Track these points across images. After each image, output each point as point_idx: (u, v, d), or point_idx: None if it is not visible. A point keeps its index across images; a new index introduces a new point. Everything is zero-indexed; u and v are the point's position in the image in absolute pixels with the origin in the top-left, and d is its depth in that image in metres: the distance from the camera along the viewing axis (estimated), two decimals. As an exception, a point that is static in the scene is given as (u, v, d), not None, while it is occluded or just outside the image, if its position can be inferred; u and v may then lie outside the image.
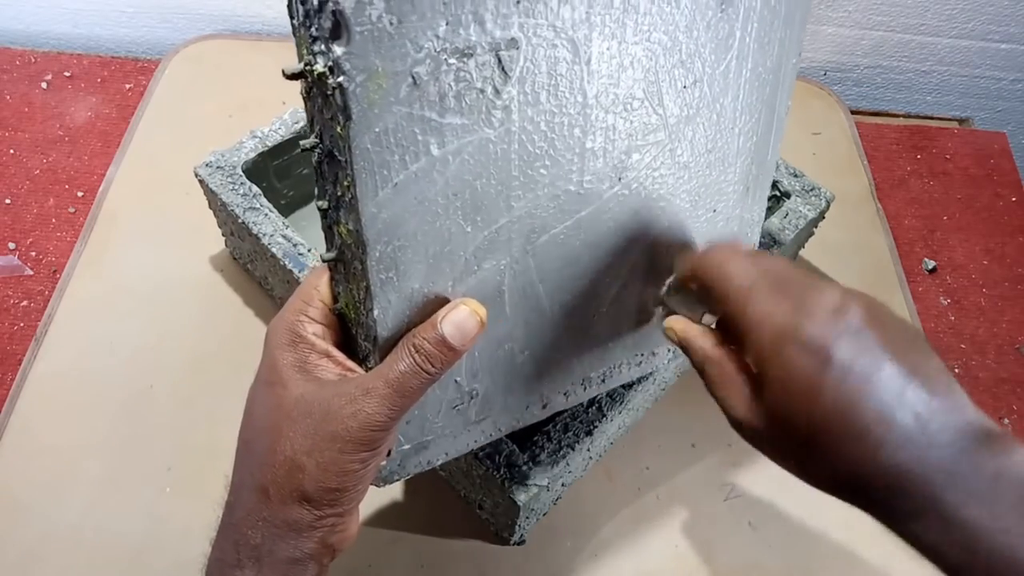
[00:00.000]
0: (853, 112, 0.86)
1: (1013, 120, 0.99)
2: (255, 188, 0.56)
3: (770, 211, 0.61)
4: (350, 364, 0.34)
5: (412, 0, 0.27)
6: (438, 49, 0.28)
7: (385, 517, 0.54)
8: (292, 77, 0.29)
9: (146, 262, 0.64)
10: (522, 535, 0.53)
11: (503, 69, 0.30)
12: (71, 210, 0.69)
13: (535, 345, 0.40)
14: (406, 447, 0.39)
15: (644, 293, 0.43)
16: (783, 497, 0.56)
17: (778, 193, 0.62)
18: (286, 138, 0.60)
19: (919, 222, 0.78)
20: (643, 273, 0.41)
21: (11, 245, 0.67)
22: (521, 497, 0.46)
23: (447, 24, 0.28)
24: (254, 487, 0.33)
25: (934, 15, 0.87)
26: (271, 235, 0.54)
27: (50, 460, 0.54)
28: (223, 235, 0.64)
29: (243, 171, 0.57)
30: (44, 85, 0.78)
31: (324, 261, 0.34)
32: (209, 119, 0.74)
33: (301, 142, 0.31)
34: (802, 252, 0.70)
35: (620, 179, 0.37)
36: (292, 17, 0.28)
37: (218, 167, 0.57)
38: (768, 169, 0.45)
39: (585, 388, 0.45)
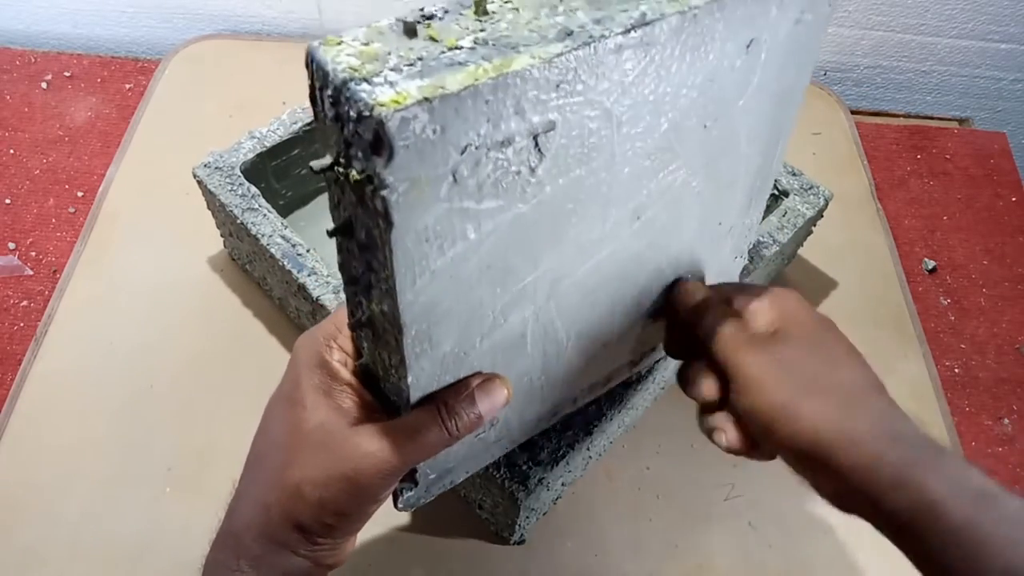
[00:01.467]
0: (853, 112, 0.86)
1: (1013, 120, 0.99)
2: (254, 189, 0.56)
3: (768, 210, 0.61)
4: (369, 399, 0.34)
5: (455, 107, 0.25)
6: (478, 146, 0.26)
7: (385, 517, 0.54)
8: (320, 172, 0.27)
9: (146, 262, 0.64)
10: (522, 535, 0.53)
11: (539, 150, 0.29)
12: (71, 210, 0.69)
13: (551, 371, 0.40)
14: (432, 476, 0.39)
15: (652, 304, 0.43)
16: (783, 497, 0.56)
17: (776, 192, 0.62)
18: (284, 139, 0.60)
19: (919, 222, 0.78)
20: (653, 290, 0.42)
21: (11, 245, 0.67)
22: (521, 496, 0.46)
23: (487, 122, 0.26)
24: (258, 501, 0.33)
25: (934, 15, 0.87)
26: (270, 235, 0.54)
27: (50, 460, 0.54)
28: (222, 236, 0.64)
29: (241, 172, 0.57)
30: (44, 85, 0.78)
31: (351, 329, 0.34)
32: (209, 119, 0.74)
33: (327, 229, 0.30)
34: (801, 252, 0.70)
35: (639, 218, 0.37)
36: (315, 106, 0.26)
37: (216, 168, 0.57)
38: (769, 180, 0.45)
39: (591, 391, 0.46)
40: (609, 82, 0.29)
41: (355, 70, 0.24)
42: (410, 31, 0.25)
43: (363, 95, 0.23)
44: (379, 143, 0.24)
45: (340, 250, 0.31)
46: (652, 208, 0.37)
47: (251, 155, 0.58)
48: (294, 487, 0.32)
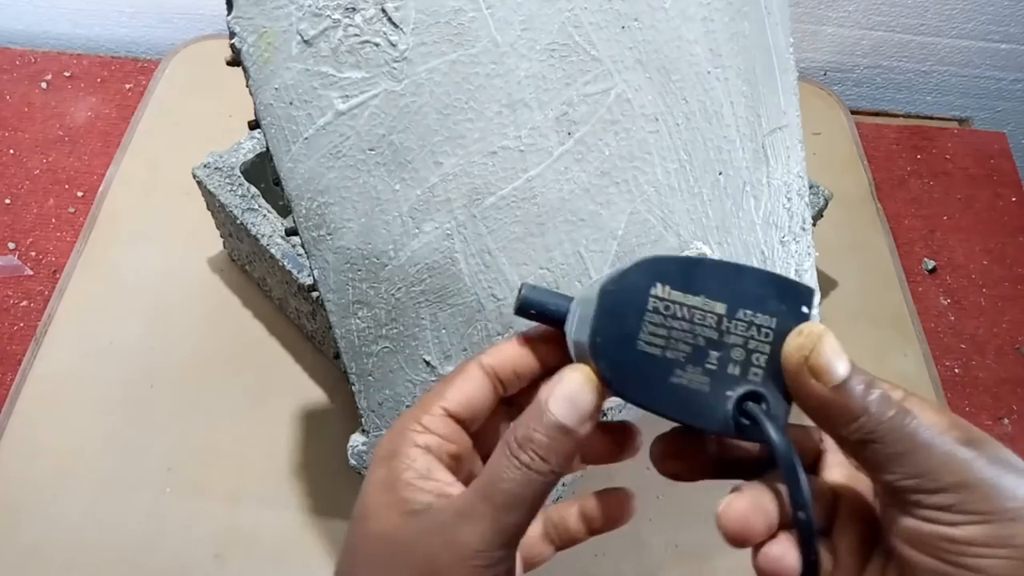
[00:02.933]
0: (853, 112, 0.86)
1: (1013, 120, 0.99)
2: (253, 189, 0.56)
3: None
4: (449, 489, 0.25)
5: None
6: (320, 6, 0.30)
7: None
8: (230, 63, 0.32)
9: (146, 262, 0.64)
10: (522, 535, 0.53)
11: (392, 21, 0.31)
12: (71, 210, 0.69)
13: (513, 327, 0.37)
14: (382, 433, 0.37)
15: None
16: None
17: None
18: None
19: (919, 222, 0.78)
20: (640, 250, 0.37)
21: (11, 245, 0.67)
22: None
23: None
24: None
25: (934, 15, 0.87)
26: (270, 236, 0.54)
27: (50, 460, 0.54)
28: (222, 236, 0.64)
29: (241, 172, 0.57)
30: (44, 85, 0.78)
31: (286, 234, 0.36)
32: (209, 119, 0.74)
33: (249, 121, 0.34)
34: (802, 252, 0.70)
35: (571, 134, 0.35)
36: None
37: (216, 168, 0.57)
38: (788, 121, 0.40)
39: None
40: None
41: None
42: None
43: None
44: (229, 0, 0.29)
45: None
46: (586, 125, 0.35)
47: (251, 155, 0.58)
48: None
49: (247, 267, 0.63)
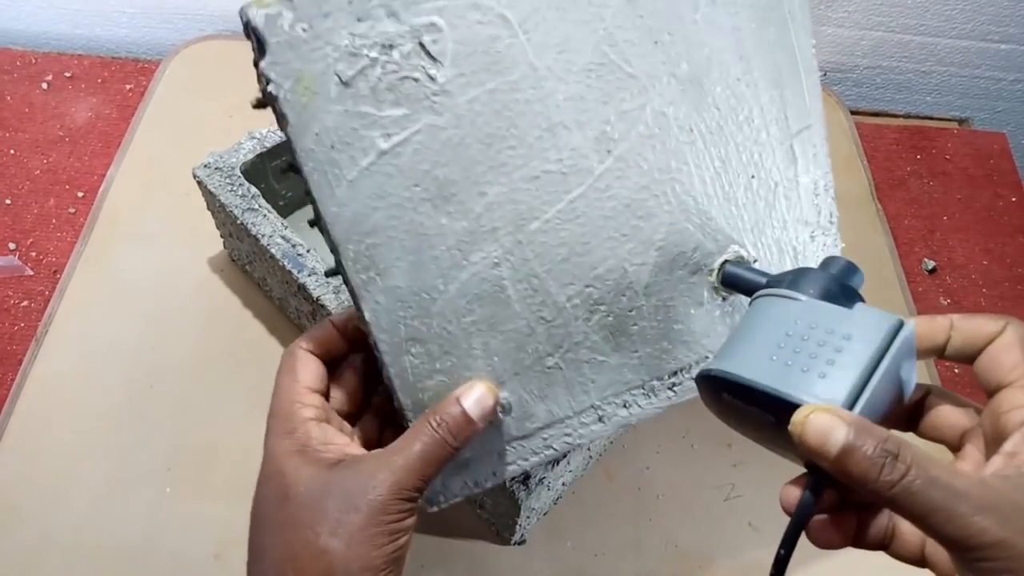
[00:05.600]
0: (853, 112, 0.86)
1: (1013, 120, 0.99)
2: (253, 189, 0.56)
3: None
4: (352, 448, 0.34)
5: (318, 5, 0.29)
6: (357, 46, 0.30)
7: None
8: (258, 105, 0.32)
9: (146, 262, 0.64)
10: (523, 535, 0.53)
11: (430, 55, 0.31)
12: (71, 210, 0.69)
13: (564, 347, 0.38)
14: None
15: (689, 282, 0.39)
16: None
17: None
18: (284, 139, 0.60)
19: (919, 222, 0.78)
20: (680, 259, 0.38)
21: (11, 245, 0.67)
22: (521, 496, 0.46)
23: (359, 21, 0.29)
24: None
25: (934, 15, 0.87)
26: (270, 236, 0.54)
27: (50, 460, 0.54)
28: (222, 236, 0.64)
29: (241, 172, 0.57)
30: (44, 86, 0.78)
31: (326, 275, 0.35)
32: (209, 119, 0.74)
33: (280, 167, 0.33)
34: (802, 252, 0.70)
35: (610, 152, 0.35)
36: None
37: (216, 168, 0.57)
38: (812, 120, 0.42)
39: (649, 397, 0.41)
40: None
41: (253, 4, 0.28)
42: None
43: (246, 8, 0.28)
44: (258, 43, 0.28)
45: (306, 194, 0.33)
46: (625, 142, 0.36)
47: (251, 155, 0.58)
48: (311, 548, 0.30)
49: (247, 267, 0.63)
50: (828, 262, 0.34)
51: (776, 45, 0.39)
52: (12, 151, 0.73)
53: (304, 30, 0.29)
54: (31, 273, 0.65)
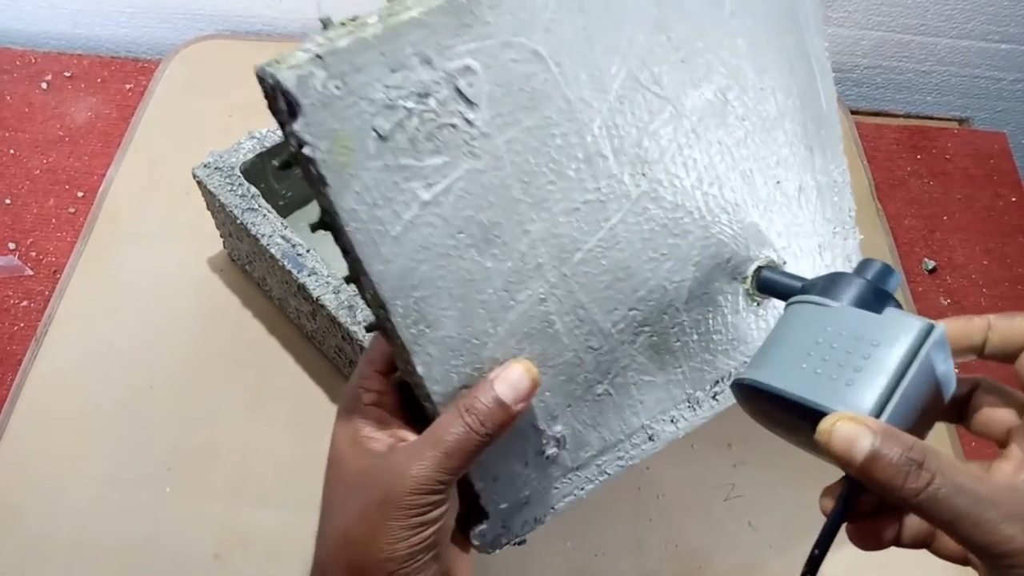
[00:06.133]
0: (853, 112, 0.86)
1: (1013, 120, 0.99)
2: (253, 189, 0.56)
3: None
4: (403, 433, 0.34)
5: (349, 61, 0.27)
6: (392, 98, 0.28)
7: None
8: (284, 167, 0.31)
9: (146, 262, 0.64)
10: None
11: (467, 99, 0.30)
12: (71, 210, 0.69)
13: (612, 373, 0.38)
14: (504, 506, 0.37)
15: (725, 291, 0.40)
16: (783, 497, 0.56)
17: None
18: (284, 139, 0.60)
19: (919, 222, 0.78)
20: (716, 271, 0.39)
21: (11, 245, 0.67)
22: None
23: (393, 72, 0.28)
24: (315, 569, 0.33)
25: (934, 15, 0.87)
26: (270, 236, 0.54)
27: (50, 460, 0.54)
28: (221, 236, 0.64)
29: (241, 172, 0.57)
30: (44, 85, 0.78)
31: (367, 330, 0.34)
32: (209, 119, 0.74)
33: (310, 224, 0.32)
34: (802, 252, 0.70)
35: (645, 174, 0.35)
36: (270, 110, 0.29)
37: (216, 168, 0.57)
38: (828, 121, 0.42)
39: (695, 409, 0.42)
40: (521, 20, 0.30)
41: (276, 62, 0.27)
42: (325, 24, 0.28)
43: (269, 70, 0.27)
44: (290, 105, 0.27)
45: (340, 248, 0.32)
46: (659, 164, 0.36)
47: (251, 155, 0.58)
48: (339, 534, 0.32)
49: (247, 267, 0.63)
50: (863, 265, 0.35)
51: (792, 52, 0.40)
52: (12, 151, 0.73)
53: (337, 88, 0.27)
54: (31, 273, 0.65)
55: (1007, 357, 0.31)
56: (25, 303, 0.63)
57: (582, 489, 0.40)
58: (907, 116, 0.90)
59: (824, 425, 0.27)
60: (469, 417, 0.31)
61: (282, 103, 0.27)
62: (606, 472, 0.40)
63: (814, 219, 0.43)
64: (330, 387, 0.59)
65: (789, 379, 0.31)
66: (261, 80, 0.27)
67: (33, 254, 0.66)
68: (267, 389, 0.59)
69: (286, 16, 0.85)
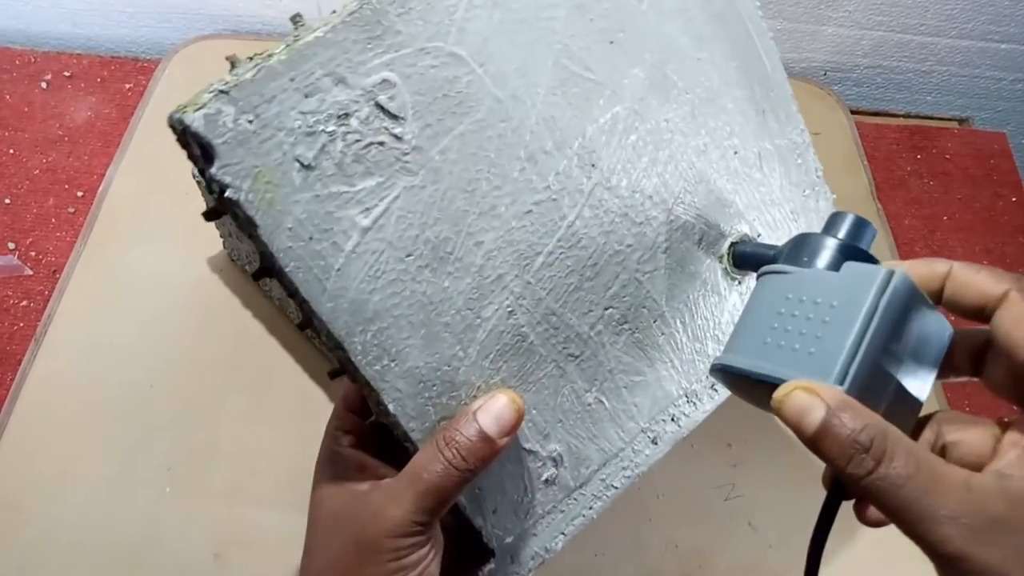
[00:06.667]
0: (853, 112, 0.86)
1: (1013, 120, 0.99)
2: (255, 188, 0.56)
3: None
4: (384, 471, 0.32)
5: (259, 91, 0.26)
6: (311, 124, 0.27)
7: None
8: (209, 216, 0.29)
9: (146, 262, 0.64)
10: (522, 535, 0.53)
11: (390, 114, 0.29)
12: (71, 210, 0.69)
13: (599, 378, 0.36)
14: (508, 540, 0.36)
15: (703, 274, 0.39)
16: (783, 497, 0.56)
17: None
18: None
19: (919, 222, 0.78)
20: (689, 254, 0.38)
21: (11, 245, 0.67)
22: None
23: (307, 97, 0.27)
24: None
25: (934, 15, 0.87)
26: (271, 235, 0.54)
27: (50, 460, 0.54)
28: (221, 236, 0.63)
29: (243, 171, 0.57)
30: (44, 85, 0.78)
31: (330, 376, 0.32)
32: (209, 119, 0.74)
33: (252, 273, 0.30)
34: (802, 252, 0.70)
35: (595, 165, 0.34)
36: (190, 160, 0.27)
37: (218, 167, 0.57)
38: (775, 82, 0.41)
39: (694, 403, 0.40)
40: (433, 24, 0.29)
41: (183, 107, 0.25)
42: (233, 63, 0.27)
43: (177, 116, 0.25)
44: (203, 148, 0.25)
45: (288, 296, 0.30)
46: (606, 150, 0.34)
47: (251, 155, 0.58)
48: None
49: (247, 267, 0.63)
50: (832, 221, 0.32)
51: (725, 16, 0.38)
52: (11, 150, 0.73)
53: (250, 122, 0.26)
54: (30, 273, 0.65)
55: (963, 311, 0.28)
56: (25, 303, 0.63)
57: (590, 508, 0.38)
58: (907, 116, 0.90)
59: (778, 394, 0.26)
60: (449, 452, 0.30)
61: (195, 148, 0.25)
62: (613, 486, 0.39)
63: (780, 184, 0.42)
64: (330, 387, 0.59)
65: (754, 356, 0.29)
66: (172, 129, 0.26)
67: (33, 254, 0.66)
68: (267, 389, 0.59)
69: (286, 16, 0.85)
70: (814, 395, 0.25)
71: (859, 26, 0.88)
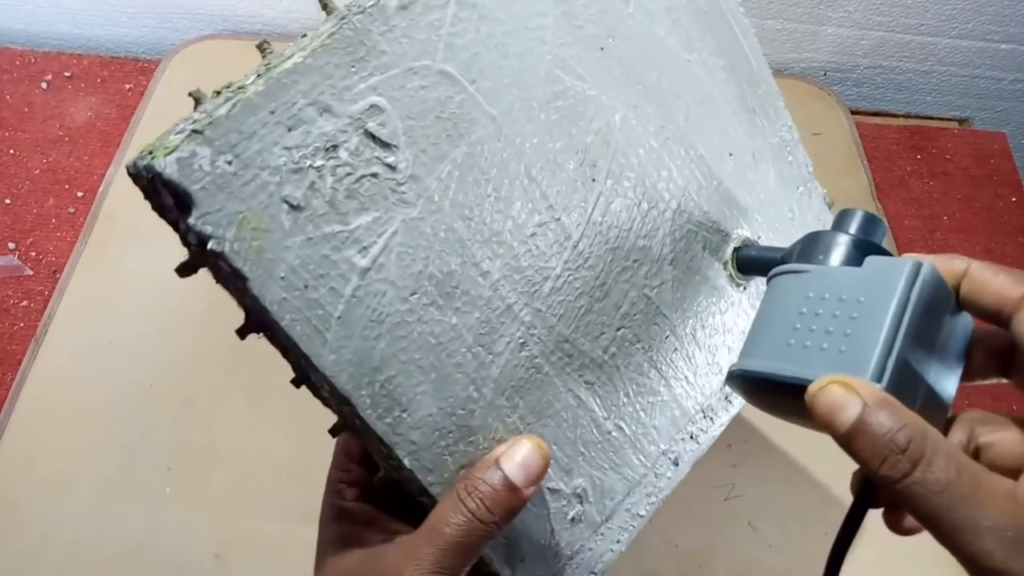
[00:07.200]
0: (853, 112, 0.86)
1: (1013, 120, 0.99)
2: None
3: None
4: (396, 526, 0.30)
5: (236, 129, 0.23)
6: (297, 159, 0.25)
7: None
8: (184, 271, 0.26)
9: (146, 262, 0.64)
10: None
11: (381, 141, 0.26)
12: (71, 210, 0.69)
13: (616, 404, 0.35)
14: None
15: (710, 283, 0.37)
16: (783, 497, 0.56)
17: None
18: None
19: (919, 222, 0.78)
20: (694, 263, 0.36)
21: (11, 245, 0.67)
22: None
23: (290, 130, 0.24)
24: None
25: (934, 15, 0.87)
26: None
27: (50, 460, 0.54)
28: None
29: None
30: (44, 85, 0.78)
31: (331, 434, 0.30)
32: (209, 119, 0.74)
33: (237, 331, 0.28)
34: (802, 252, 0.70)
35: (595, 180, 0.32)
36: (155, 211, 0.25)
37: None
38: (762, 79, 0.40)
39: (710, 419, 0.39)
40: (419, 42, 0.27)
41: (148, 153, 0.23)
42: (198, 100, 0.25)
43: (142, 163, 0.22)
44: (178, 197, 0.23)
45: (279, 350, 0.28)
46: (604, 162, 0.32)
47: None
48: None
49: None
50: (841, 218, 0.31)
51: (708, 13, 0.37)
52: (12, 151, 0.73)
53: (229, 163, 0.23)
54: (31, 273, 0.65)
55: (978, 312, 0.27)
56: (25, 303, 0.63)
57: (618, 541, 0.36)
58: (907, 116, 0.90)
59: (812, 388, 0.24)
60: (472, 502, 0.27)
61: (167, 197, 0.23)
62: (639, 515, 0.37)
63: (775, 183, 0.41)
64: (330, 387, 0.59)
65: (777, 359, 0.27)
66: (135, 178, 0.23)
67: (33, 254, 0.66)
68: (267, 389, 0.59)
69: (286, 16, 0.85)
70: (851, 391, 0.24)
71: (859, 26, 0.88)
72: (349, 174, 0.26)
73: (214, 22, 0.87)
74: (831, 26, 0.88)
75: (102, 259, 0.65)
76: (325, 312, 0.26)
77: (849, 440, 0.23)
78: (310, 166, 0.25)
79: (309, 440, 0.56)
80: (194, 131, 0.23)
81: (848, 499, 0.29)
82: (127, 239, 0.66)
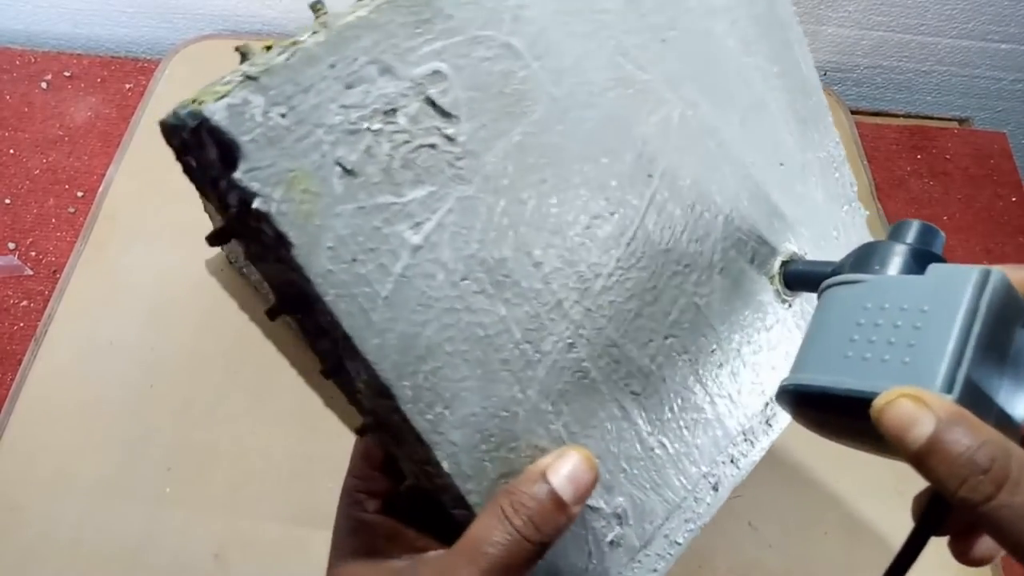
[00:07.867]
0: (853, 112, 0.86)
1: (1013, 120, 0.99)
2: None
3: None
4: (424, 543, 0.27)
5: (294, 78, 0.22)
6: (354, 119, 0.23)
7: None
8: (216, 240, 0.24)
9: (146, 262, 0.64)
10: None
11: (442, 110, 0.25)
12: (71, 210, 0.69)
13: (660, 418, 0.32)
14: None
15: (757, 296, 0.35)
16: (783, 497, 0.56)
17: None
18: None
19: (919, 222, 0.78)
20: (743, 275, 0.35)
21: (11, 245, 0.67)
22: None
23: (349, 88, 0.23)
24: None
25: (934, 15, 0.87)
26: (271, 235, 0.54)
27: (50, 460, 0.54)
28: (223, 235, 0.63)
29: (243, 171, 0.57)
30: (44, 85, 0.78)
31: (358, 434, 0.28)
32: (209, 119, 0.74)
33: (265, 310, 0.26)
34: (802, 252, 0.70)
35: (651, 175, 0.31)
36: (187, 174, 0.23)
37: (218, 167, 0.57)
38: (813, 90, 0.39)
39: (751, 442, 0.37)
40: (487, 10, 0.25)
41: (193, 100, 0.21)
42: (243, 55, 0.23)
43: (185, 112, 0.20)
44: (224, 148, 0.21)
45: (307, 345, 0.26)
46: (663, 159, 0.31)
47: (251, 155, 0.58)
48: None
49: (244, 270, 0.63)
50: (898, 229, 0.30)
51: (766, 18, 0.36)
52: (11, 151, 0.73)
53: (283, 116, 0.22)
54: (31, 273, 0.65)
55: None
56: (25, 303, 0.63)
57: (655, 571, 0.34)
58: (907, 116, 0.90)
59: (879, 401, 0.22)
60: (518, 519, 0.24)
61: (211, 151, 0.21)
62: (676, 542, 0.34)
63: (823, 199, 0.39)
64: (324, 387, 0.59)
65: (834, 372, 0.25)
66: (170, 133, 0.21)
67: (33, 254, 0.66)
68: (267, 389, 0.59)
69: (286, 16, 0.85)
70: (922, 405, 0.22)
71: (859, 26, 0.88)
72: (407, 142, 0.24)
73: (214, 22, 0.87)
74: (831, 26, 0.88)
75: (102, 259, 0.65)
76: (372, 290, 0.24)
77: (922, 459, 0.21)
78: (367, 128, 0.23)
79: (309, 440, 0.56)
80: (248, 77, 0.21)
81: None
82: (127, 239, 0.66)
